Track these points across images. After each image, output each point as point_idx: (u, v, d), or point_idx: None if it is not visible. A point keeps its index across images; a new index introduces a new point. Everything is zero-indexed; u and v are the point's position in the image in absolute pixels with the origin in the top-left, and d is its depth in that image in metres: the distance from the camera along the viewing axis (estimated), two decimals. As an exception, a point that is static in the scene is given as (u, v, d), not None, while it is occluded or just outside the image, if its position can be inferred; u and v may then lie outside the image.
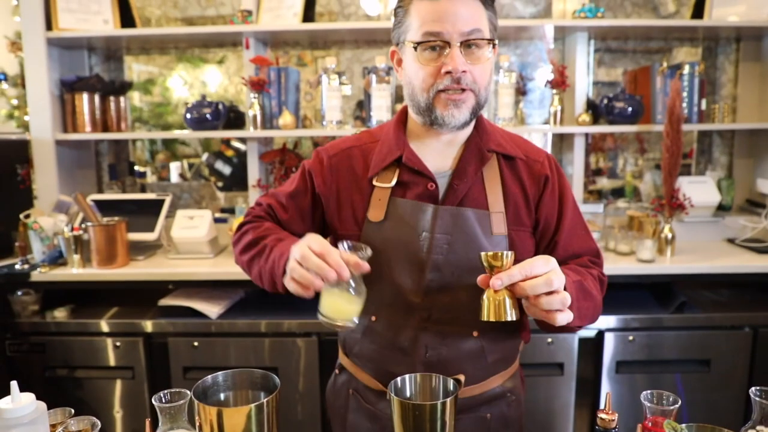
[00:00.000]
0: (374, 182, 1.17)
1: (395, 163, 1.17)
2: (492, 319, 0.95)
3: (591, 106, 2.55)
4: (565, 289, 0.98)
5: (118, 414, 2.15)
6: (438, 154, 1.18)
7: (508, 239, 1.14)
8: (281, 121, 2.32)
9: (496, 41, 1.12)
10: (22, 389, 2.12)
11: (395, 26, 1.14)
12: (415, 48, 1.09)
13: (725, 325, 2.11)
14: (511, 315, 0.95)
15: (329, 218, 1.22)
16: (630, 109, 2.34)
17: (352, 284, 1.01)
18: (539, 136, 2.66)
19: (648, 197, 2.76)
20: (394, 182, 1.16)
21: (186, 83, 2.79)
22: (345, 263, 0.97)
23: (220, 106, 2.38)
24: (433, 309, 1.14)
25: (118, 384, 2.13)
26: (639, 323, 2.10)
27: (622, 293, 2.27)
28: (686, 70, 2.40)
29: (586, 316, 1.09)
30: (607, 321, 2.09)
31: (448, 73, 1.05)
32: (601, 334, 2.10)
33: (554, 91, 2.36)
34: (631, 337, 2.09)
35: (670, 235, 2.22)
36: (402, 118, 1.22)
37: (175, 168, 3.38)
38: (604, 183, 3.23)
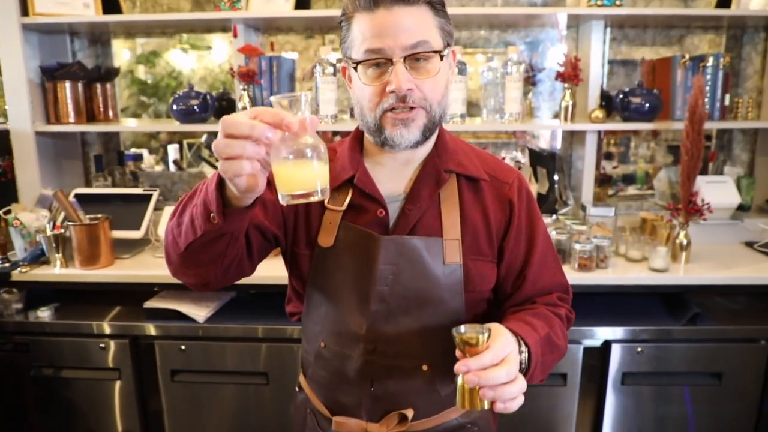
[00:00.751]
0: (326, 203, 1.09)
1: (348, 184, 1.09)
2: (468, 408, 0.89)
3: (605, 98, 2.38)
4: (529, 353, 0.96)
5: (106, 415, 2.08)
6: (393, 176, 1.11)
7: (464, 268, 1.07)
8: (273, 114, 2.18)
9: (448, 49, 1.02)
10: (8, 389, 2.08)
11: (341, 41, 1.05)
12: (355, 68, 1.00)
13: (739, 338, 1.99)
14: (483, 405, 0.88)
15: (287, 235, 1.13)
16: (647, 105, 2.18)
17: (307, 140, 0.80)
18: (547, 133, 2.51)
19: (662, 195, 2.61)
20: (345, 205, 1.08)
21: (173, 72, 2.66)
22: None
23: (208, 97, 2.25)
24: (379, 341, 1.08)
25: (106, 385, 2.06)
26: (648, 335, 1.98)
27: (632, 302, 2.15)
28: (710, 62, 2.23)
29: (550, 368, 1.06)
30: (614, 332, 1.98)
31: (393, 91, 0.97)
32: (607, 345, 1.98)
33: (566, 85, 2.20)
34: (639, 349, 1.97)
35: (685, 242, 2.08)
36: (358, 135, 1.15)
37: (173, 150, 3.26)
38: (614, 171, 3.09)
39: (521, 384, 0.89)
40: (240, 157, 0.74)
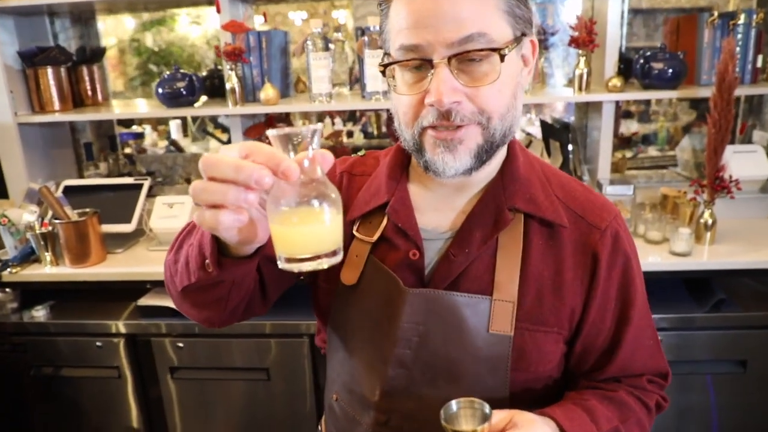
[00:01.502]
0: (354, 231, 0.88)
1: (383, 211, 0.87)
2: None
3: (624, 61, 2.18)
4: None
5: (108, 412, 2.05)
6: (441, 205, 0.87)
7: (514, 341, 0.82)
8: (263, 95, 2.04)
9: (523, 41, 0.77)
10: (8, 388, 2.06)
11: (380, 30, 0.81)
12: (383, 72, 0.78)
13: (766, 324, 1.85)
14: None
15: None
16: (670, 71, 1.98)
17: (313, 187, 0.61)
18: (560, 104, 2.32)
19: (686, 165, 2.43)
20: (377, 236, 0.86)
21: (159, 51, 2.53)
22: (296, 161, 0.59)
23: (194, 79, 2.11)
24: (393, 414, 0.87)
25: (105, 383, 2.02)
26: (668, 323, 1.85)
27: (652, 287, 2.00)
28: (741, 19, 2.00)
29: None
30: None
31: (432, 104, 0.74)
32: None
33: (579, 51, 2.01)
34: (660, 337, 1.85)
35: (710, 221, 1.92)
36: (404, 148, 0.89)
37: (175, 126, 3.17)
38: (635, 127, 2.91)
39: None
40: (220, 206, 0.58)
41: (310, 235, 0.62)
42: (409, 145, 0.81)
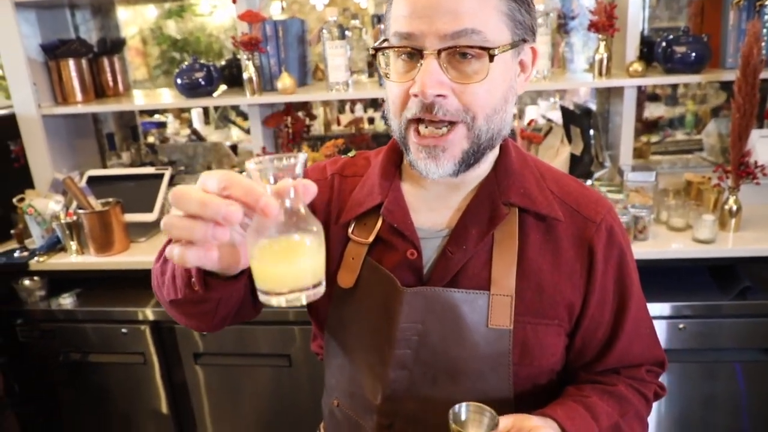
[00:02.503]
0: (350, 233, 0.88)
1: (378, 210, 0.86)
2: None
3: (646, 44, 2.13)
4: None
5: (135, 397, 2.10)
6: (436, 204, 0.87)
7: (514, 335, 0.82)
8: (280, 85, 2.05)
9: (520, 47, 0.76)
10: (40, 374, 2.12)
11: (385, 17, 0.80)
12: (374, 56, 0.77)
13: (794, 312, 1.82)
14: None
15: None
16: (693, 54, 1.94)
17: (294, 222, 0.59)
18: (582, 89, 2.29)
19: (711, 150, 2.38)
20: (372, 238, 0.86)
21: (181, 40, 2.55)
22: (276, 192, 0.58)
23: (212, 69, 2.12)
24: (397, 416, 0.86)
25: (132, 369, 2.07)
26: (691, 311, 1.83)
27: (675, 274, 1.98)
28: (768, 0, 1.95)
29: None
30: (654, 308, 1.83)
31: (416, 95, 0.73)
32: (646, 322, 1.85)
33: (599, 36, 1.97)
34: (681, 326, 1.83)
35: (735, 208, 1.88)
36: (396, 146, 0.89)
37: (196, 115, 3.19)
38: (661, 111, 2.85)
39: None
40: (189, 241, 0.56)
41: (289, 271, 0.60)
42: (397, 138, 0.81)
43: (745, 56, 1.76)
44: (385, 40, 0.79)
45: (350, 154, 0.98)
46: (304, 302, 0.61)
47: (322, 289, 0.63)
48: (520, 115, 2.75)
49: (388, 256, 0.85)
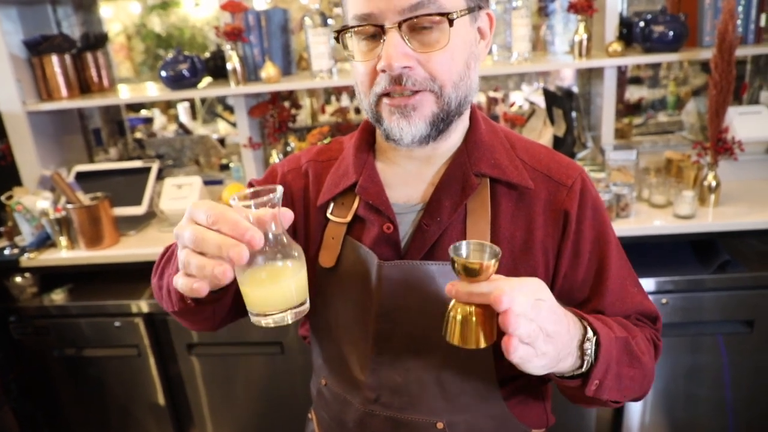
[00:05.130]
0: (328, 214, 0.91)
1: (353, 190, 0.89)
2: (453, 342, 0.69)
3: (625, 24, 2.16)
4: (598, 343, 0.74)
5: (131, 389, 2.13)
6: (410, 179, 0.89)
7: None
8: (264, 74, 2.06)
9: (475, 13, 0.78)
10: (35, 370, 2.13)
11: (341, 2, 0.84)
12: (337, 38, 0.80)
13: (772, 284, 1.86)
14: (478, 341, 0.68)
15: None
16: (671, 33, 1.96)
17: (277, 248, 0.67)
18: (567, 71, 2.31)
19: (691, 129, 2.42)
20: (350, 216, 0.88)
21: (165, 35, 2.54)
22: (258, 221, 0.65)
23: (196, 61, 2.13)
24: (383, 389, 0.89)
25: (127, 362, 2.09)
26: (673, 285, 1.87)
27: (657, 250, 2.02)
28: (743, -23, 1.98)
29: (629, 388, 0.81)
30: (637, 284, 1.88)
31: (384, 70, 0.75)
32: (630, 297, 1.89)
33: (579, 17, 1.99)
34: (664, 300, 1.88)
35: (714, 183, 1.93)
36: (369, 127, 0.93)
37: (183, 109, 3.19)
38: (643, 93, 2.89)
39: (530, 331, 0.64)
40: (205, 282, 0.65)
41: (275, 294, 0.67)
42: (369, 115, 0.84)
43: (721, 33, 1.79)
44: (344, 26, 0.81)
45: (325, 141, 1.01)
46: (290, 321, 0.68)
47: (306, 308, 0.70)
48: (504, 99, 2.77)
49: (366, 233, 0.88)
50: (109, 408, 2.16)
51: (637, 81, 2.91)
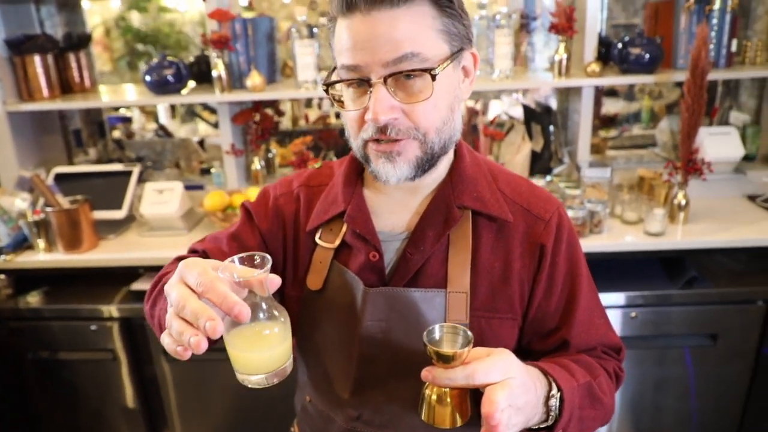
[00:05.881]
0: (317, 239, 0.94)
1: (342, 217, 0.92)
2: (429, 423, 0.74)
3: (603, 43, 2.23)
4: (561, 399, 0.79)
5: (106, 393, 2.12)
6: (396, 208, 0.92)
7: (471, 329, 0.87)
8: (249, 83, 2.07)
9: (459, 56, 0.81)
10: (7, 372, 2.11)
11: (330, 46, 0.86)
12: (326, 90, 0.83)
13: (735, 300, 1.94)
14: (453, 420, 0.72)
15: (276, 272, 1.01)
16: (647, 56, 2.03)
17: (263, 313, 0.69)
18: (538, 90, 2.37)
19: (664, 146, 2.50)
20: (338, 242, 0.92)
21: (146, 31, 2.53)
22: (246, 285, 0.68)
23: (182, 66, 2.13)
24: (365, 408, 0.92)
25: (101, 365, 2.08)
26: (643, 300, 1.94)
27: (628, 265, 2.09)
28: (717, 4, 2.05)
29: (591, 427, 0.86)
30: (608, 298, 1.94)
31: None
32: (601, 310, 1.95)
33: (559, 37, 2.05)
34: (633, 314, 1.94)
35: (683, 202, 2.00)
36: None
37: (163, 109, 3.18)
38: (619, 106, 2.96)
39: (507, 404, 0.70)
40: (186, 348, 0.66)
41: (262, 357, 0.69)
42: (358, 155, 0.87)
43: (694, 59, 1.86)
44: (334, 68, 0.85)
45: (316, 165, 1.04)
46: (276, 382, 0.71)
47: (289, 367, 0.72)
48: (485, 110, 2.83)
49: (353, 259, 0.91)
50: (81, 411, 2.15)
51: (613, 93, 2.99)
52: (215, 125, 2.66)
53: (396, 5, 0.75)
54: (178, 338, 0.65)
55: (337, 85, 0.84)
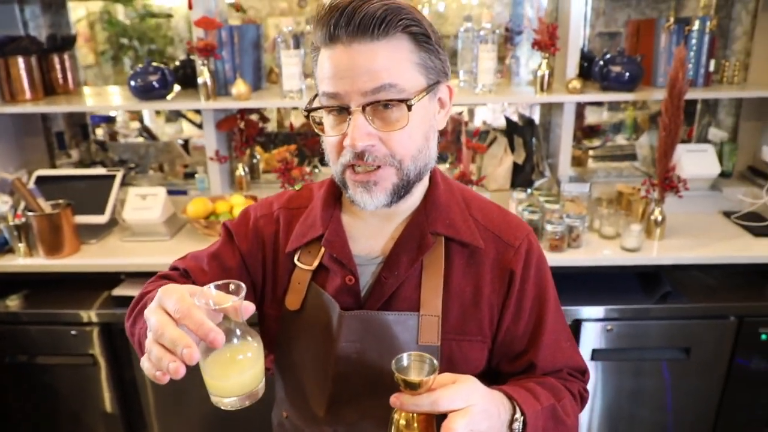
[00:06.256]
0: (295, 260, 0.97)
1: (321, 240, 0.95)
2: None
3: (585, 58, 2.27)
4: (524, 423, 0.82)
5: (85, 399, 2.11)
6: (373, 233, 0.96)
7: (442, 350, 0.91)
8: (234, 91, 2.08)
9: (436, 88, 0.85)
10: (-16, 376, 2.08)
11: (314, 75, 0.90)
12: (307, 116, 0.87)
13: (709, 314, 1.99)
14: None
15: (256, 291, 1.02)
16: (628, 74, 2.07)
17: (236, 338, 0.73)
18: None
19: (644, 161, 2.55)
20: (316, 264, 0.95)
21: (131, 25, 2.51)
22: (221, 311, 0.71)
23: (167, 73, 2.13)
24: (339, 425, 0.95)
25: (81, 370, 2.08)
26: (619, 313, 1.98)
27: (605, 279, 2.12)
28: (696, 25, 2.10)
29: None
30: (584, 311, 1.97)
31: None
32: (578, 323, 1.99)
33: (542, 54, 2.08)
34: (609, 327, 1.98)
35: (660, 218, 2.04)
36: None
37: (147, 112, 3.16)
38: (603, 116, 3.00)
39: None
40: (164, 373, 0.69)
41: (236, 381, 0.73)
42: (337, 179, 0.90)
43: (672, 80, 1.90)
44: (316, 95, 0.88)
45: (296, 187, 1.06)
46: (248, 404, 0.75)
47: (261, 390, 0.76)
48: (471, 116, 2.85)
49: (330, 281, 0.94)
50: (60, 416, 2.14)
51: (597, 103, 3.03)
52: (200, 126, 2.65)
53: (376, 38, 0.79)
54: (157, 364, 0.67)
55: (318, 111, 0.87)
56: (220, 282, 0.74)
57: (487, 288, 0.93)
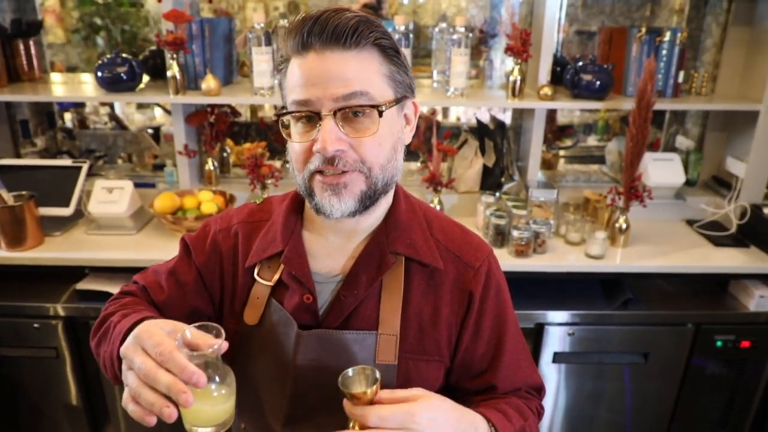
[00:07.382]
0: (255, 275, 0.97)
1: (280, 255, 0.95)
2: None
3: (558, 63, 2.28)
4: None
5: (48, 391, 2.10)
6: (333, 251, 0.95)
7: (399, 369, 0.91)
8: (204, 86, 2.05)
9: (404, 102, 0.87)
10: (-54, 368, 2.04)
11: (280, 87, 0.90)
12: (276, 121, 0.87)
13: (668, 321, 2.04)
14: None
15: (214, 305, 1.02)
16: (598, 83, 2.09)
17: (213, 374, 0.76)
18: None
19: (612, 166, 2.58)
20: (275, 280, 0.95)
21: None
22: (197, 349, 0.74)
23: (135, 64, 2.09)
24: None
25: (45, 363, 2.06)
26: (581, 318, 2.02)
27: (569, 284, 2.16)
28: (667, 36, 2.12)
29: None
30: (547, 316, 2.01)
31: (319, 151, 0.82)
32: (540, 327, 2.03)
33: (514, 60, 2.08)
34: (571, 331, 2.02)
35: (624, 226, 2.08)
36: (299, 197, 0.98)
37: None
38: (574, 116, 3.03)
39: None
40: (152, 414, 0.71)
41: (209, 415, 0.76)
42: (301, 189, 0.89)
43: (641, 91, 1.93)
44: (284, 107, 0.88)
45: (258, 201, 1.06)
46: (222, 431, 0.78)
47: (232, 419, 0.79)
48: (444, 112, 2.85)
49: (288, 297, 0.94)
50: (23, 409, 2.13)
51: (570, 104, 3.05)
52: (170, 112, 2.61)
53: (347, 48, 0.80)
54: (149, 408, 0.69)
55: (286, 119, 0.87)
56: (198, 324, 0.77)
57: (446, 308, 0.94)
